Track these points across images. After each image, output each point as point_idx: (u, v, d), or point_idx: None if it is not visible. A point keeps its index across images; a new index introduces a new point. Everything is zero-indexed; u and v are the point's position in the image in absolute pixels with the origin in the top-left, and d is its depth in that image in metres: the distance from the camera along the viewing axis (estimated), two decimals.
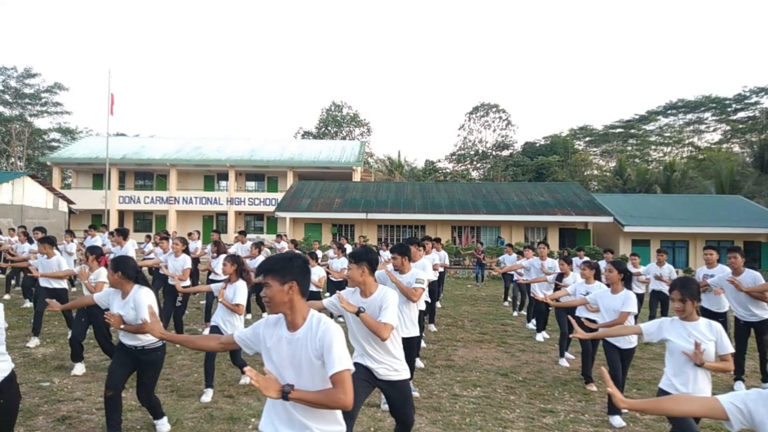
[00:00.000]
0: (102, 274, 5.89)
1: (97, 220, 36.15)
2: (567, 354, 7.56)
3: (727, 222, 25.60)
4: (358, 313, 3.30)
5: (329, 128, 57.80)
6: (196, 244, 11.86)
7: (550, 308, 8.99)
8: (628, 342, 5.11)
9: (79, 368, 6.06)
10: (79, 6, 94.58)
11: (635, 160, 59.57)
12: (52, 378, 5.80)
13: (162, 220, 36.39)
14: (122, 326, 3.96)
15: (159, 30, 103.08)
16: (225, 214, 36.87)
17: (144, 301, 3.98)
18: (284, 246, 13.75)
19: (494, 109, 60.89)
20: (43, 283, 7.29)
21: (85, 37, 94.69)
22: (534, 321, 9.92)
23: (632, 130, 62.72)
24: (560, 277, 7.79)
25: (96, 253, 6.02)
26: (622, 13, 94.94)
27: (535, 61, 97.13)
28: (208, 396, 5.28)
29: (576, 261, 10.57)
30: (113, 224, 33.20)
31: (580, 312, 6.26)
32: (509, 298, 13.64)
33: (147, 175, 38.29)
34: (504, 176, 50.42)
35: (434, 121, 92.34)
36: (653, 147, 62.47)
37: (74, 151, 36.50)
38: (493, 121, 60.55)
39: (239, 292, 5.44)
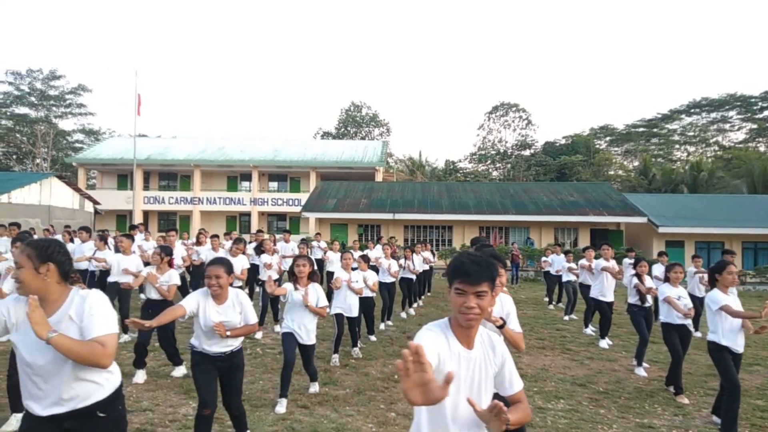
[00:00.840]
0: (174, 276, 5.66)
1: (121, 220, 36.35)
2: (640, 369, 7.18)
3: (765, 222, 24.85)
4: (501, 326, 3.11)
5: (348, 128, 57.63)
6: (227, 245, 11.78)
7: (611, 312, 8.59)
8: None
9: (140, 375, 5.80)
10: (101, 8, 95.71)
11: (659, 159, 58.56)
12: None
13: (186, 221, 36.44)
14: (229, 333, 3.70)
15: (177, 31, 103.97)
16: (248, 214, 36.83)
17: (249, 301, 3.84)
18: (323, 245, 13.61)
19: (514, 109, 60.34)
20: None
21: (107, 39, 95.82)
22: (591, 327, 9.51)
23: (655, 130, 61.68)
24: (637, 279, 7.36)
25: (168, 253, 5.78)
26: (641, 11, 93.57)
27: (554, 60, 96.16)
28: (282, 406, 4.99)
29: (625, 262, 10.18)
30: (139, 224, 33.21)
31: (670, 318, 5.92)
32: (554, 301, 13.26)
33: (171, 175, 38.39)
34: (526, 176, 49.78)
35: (453, 121, 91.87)
36: (677, 146, 61.37)
37: (99, 152, 36.72)
38: (513, 121, 60.00)
39: (321, 295, 5.29)
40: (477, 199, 27.09)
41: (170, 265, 5.91)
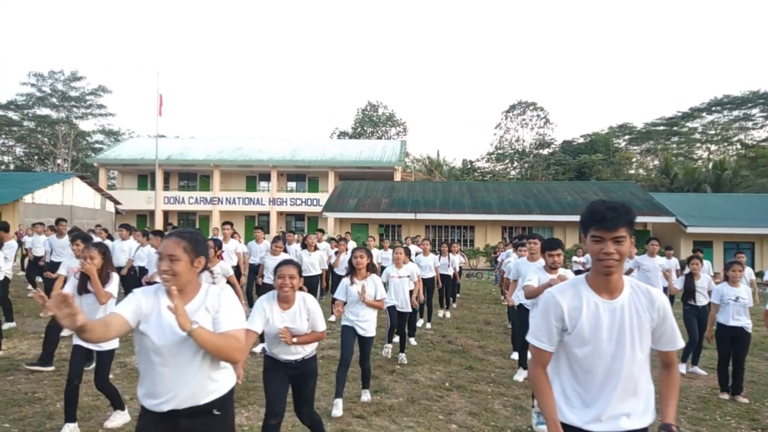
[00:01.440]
0: (226, 265, 5.59)
1: (141, 220, 36.57)
2: (696, 368, 6.88)
3: None
4: None
5: (365, 128, 57.52)
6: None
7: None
8: None
9: None
10: (120, 10, 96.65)
11: (679, 158, 57.61)
12: None
13: (205, 221, 36.53)
14: (295, 339, 3.51)
15: (193, 32, 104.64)
16: (266, 214, 36.82)
17: (317, 307, 3.69)
18: (354, 244, 13.61)
19: (531, 107, 59.78)
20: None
21: (125, 41, 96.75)
22: None
23: (675, 128, 60.68)
24: (689, 280, 7.05)
25: (219, 246, 5.68)
26: (659, 8, 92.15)
27: (571, 58, 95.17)
28: (338, 409, 4.81)
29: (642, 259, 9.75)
30: (159, 225, 33.38)
31: (723, 318, 5.75)
32: None
33: (190, 175, 38.55)
34: (545, 175, 49.22)
35: (469, 120, 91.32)
36: (698, 145, 60.35)
37: (120, 152, 36.96)
38: (531, 120, 59.48)
39: (379, 287, 5.25)
40: (499, 198, 26.74)
41: (220, 258, 5.80)
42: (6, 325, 8.12)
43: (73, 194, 30.06)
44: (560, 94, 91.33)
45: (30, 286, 12.10)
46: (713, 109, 59.07)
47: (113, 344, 4.32)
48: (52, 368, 5.98)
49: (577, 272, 13.67)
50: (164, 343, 2.23)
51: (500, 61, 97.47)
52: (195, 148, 38.37)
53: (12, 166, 47.46)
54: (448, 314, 10.66)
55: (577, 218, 22.72)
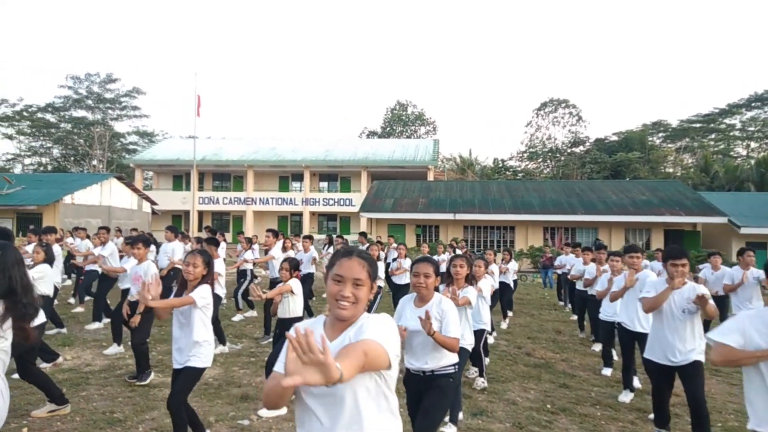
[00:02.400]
0: (297, 285, 5.23)
1: (176, 220, 36.80)
2: None
3: None
4: None
5: (394, 127, 57.11)
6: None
7: None
8: None
9: None
10: (153, 12, 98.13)
11: (718, 156, 55.72)
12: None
13: (239, 221, 36.58)
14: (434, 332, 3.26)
15: (223, 33, 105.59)
16: (299, 214, 36.69)
17: (454, 311, 3.44)
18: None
19: (563, 105, 58.62)
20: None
21: (158, 43, 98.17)
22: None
23: (712, 125, 58.73)
24: None
25: (295, 267, 5.25)
26: (688, 4, 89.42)
27: (601, 55, 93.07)
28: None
29: (707, 272, 8.76)
30: (194, 225, 33.51)
31: None
32: None
33: (224, 176, 38.68)
34: (580, 174, 48.06)
35: (497, 118, 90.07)
36: (738, 142, 58.28)
37: (155, 153, 37.27)
38: (563, 117, 58.34)
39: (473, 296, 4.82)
40: (541, 198, 25.99)
41: (298, 278, 5.37)
42: (55, 331, 7.97)
43: (111, 195, 30.33)
44: (590, 92, 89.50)
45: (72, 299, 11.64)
46: (753, 105, 56.96)
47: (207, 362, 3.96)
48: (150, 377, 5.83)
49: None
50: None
51: (529, 58, 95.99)
52: (229, 148, 38.45)
53: (49, 167, 48.38)
54: (504, 324, 10.10)
55: (623, 218, 21.82)
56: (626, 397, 5.61)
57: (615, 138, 57.06)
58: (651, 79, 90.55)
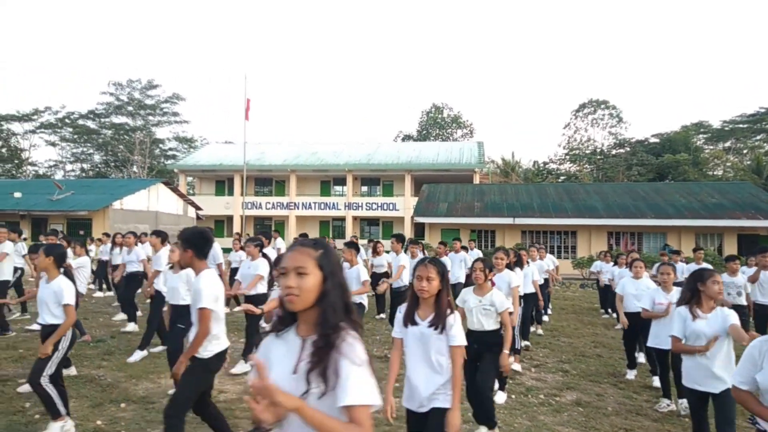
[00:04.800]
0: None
1: (219, 225, 36.59)
2: None
3: None
4: None
5: (430, 130, 56.35)
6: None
7: None
8: None
9: None
10: (192, 18, 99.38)
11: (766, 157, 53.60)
12: None
13: (281, 226, 36.15)
14: None
15: (259, 38, 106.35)
16: (340, 219, 36.12)
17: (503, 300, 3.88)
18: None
19: (603, 106, 57.28)
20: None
21: (197, 49, 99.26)
22: None
23: (758, 125, 56.65)
24: None
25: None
26: (724, 6, 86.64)
27: (638, 54, 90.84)
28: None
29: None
30: (237, 230, 33.19)
31: None
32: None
33: (266, 180, 38.38)
34: (627, 176, 46.56)
35: (533, 120, 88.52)
36: None
37: (198, 159, 37.18)
38: (602, 118, 57.00)
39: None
40: (604, 201, 24.84)
41: None
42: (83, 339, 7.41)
43: (158, 200, 30.21)
44: (627, 92, 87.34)
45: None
46: None
47: None
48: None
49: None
50: None
51: (565, 59, 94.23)
52: (271, 153, 38.14)
53: (91, 173, 48.87)
54: (540, 330, 9.32)
55: (694, 222, 20.50)
56: None
57: (655, 140, 55.47)
58: (689, 79, 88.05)
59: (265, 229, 36.85)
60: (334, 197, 36.63)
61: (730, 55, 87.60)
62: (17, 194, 27.76)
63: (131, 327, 8.56)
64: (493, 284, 4.64)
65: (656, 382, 6.21)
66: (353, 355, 1.51)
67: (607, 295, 11.54)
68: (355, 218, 36.02)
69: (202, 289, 3.40)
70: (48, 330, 4.06)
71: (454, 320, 2.97)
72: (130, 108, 47.42)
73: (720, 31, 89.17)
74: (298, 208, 35.49)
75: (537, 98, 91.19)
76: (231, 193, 37.05)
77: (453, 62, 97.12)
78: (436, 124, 56.50)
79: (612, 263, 11.05)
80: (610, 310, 11.60)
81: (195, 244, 3.53)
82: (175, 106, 48.45)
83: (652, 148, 53.14)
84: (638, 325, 6.18)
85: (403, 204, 34.57)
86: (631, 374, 6.64)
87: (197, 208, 33.16)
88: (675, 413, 5.31)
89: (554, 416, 5.20)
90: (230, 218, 36.49)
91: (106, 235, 13.91)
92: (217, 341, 3.54)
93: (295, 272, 1.60)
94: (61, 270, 4.16)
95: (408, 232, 34.35)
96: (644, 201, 24.55)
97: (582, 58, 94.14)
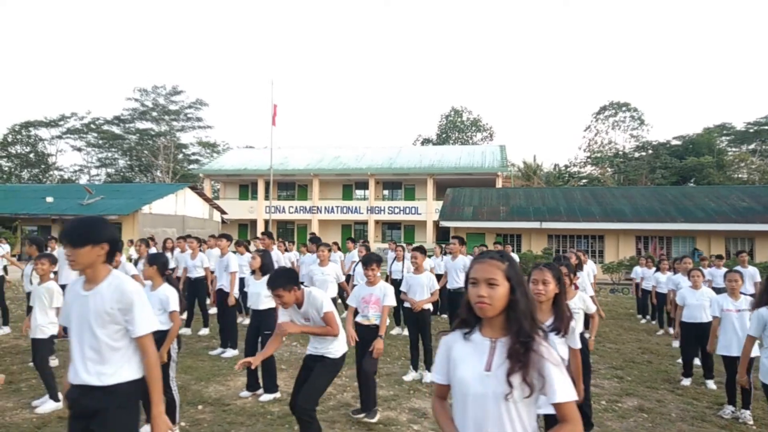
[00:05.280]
0: None
1: (243, 229, 37.02)
2: None
3: None
4: None
5: (450, 134, 56.37)
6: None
7: None
8: None
9: None
10: (214, 24, 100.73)
11: None
12: None
13: (303, 230, 36.45)
14: None
15: (283, 44, 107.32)
16: (362, 222, 36.31)
17: None
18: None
19: (624, 108, 56.78)
20: None
21: (216, 53, 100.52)
22: None
23: None
24: None
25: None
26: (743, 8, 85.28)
27: (660, 56, 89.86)
28: None
29: None
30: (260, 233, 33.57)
31: None
32: None
33: (289, 185, 38.76)
34: (651, 179, 46.09)
35: (553, 123, 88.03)
36: None
37: (223, 163, 37.69)
38: (623, 121, 56.52)
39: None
40: (632, 205, 24.64)
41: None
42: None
43: (185, 204, 30.64)
44: (646, 95, 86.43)
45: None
46: None
47: None
48: None
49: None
50: None
51: (584, 62, 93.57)
52: (294, 157, 38.51)
53: (117, 178, 49.73)
54: (587, 334, 9.31)
55: (724, 226, 20.24)
56: None
57: (677, 142, 54.83)
58: (710, 81, 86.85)
59: (287, 233, 37.25)
60: (356, 201, 36.85)
61: (752, 56, 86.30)
62: (49, 199, 28.37)
63: (203, 331, 8.82)
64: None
65: (710, 385, 6.41)
66: (553, 358, 1.66)
67: (646, 302, 11.50)
68: (377, 222, 36.19)
69: (323, 297, 3.72)
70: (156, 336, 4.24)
71: (575, 324, 3.13)
72: (154, 113, 48.21)
73: (740, 32, 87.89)
74: (320, 212, 35.77)
75: (556, 101, 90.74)
76: (254, 197, 37.48)
77: (472, 65, 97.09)
78: (456, 128, 56.51)
79: (654, 269, 10.97)
80: (648, 317, 11.58)
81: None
82: (199, 111, 49.19)
83: (674, 151, 52.55)
84: (699, 334, 6.26)
85: (426, 208, 34.65)
86: (686, 381, 6.66)
87: (222, 212, 33.58)
88: (740, 421, 5.32)
89: (621, 422, 5.25)
90: (254, 222, 36.90)
91: (149, 240, 14.00)
92: (343, 342, 3.88)
93: (486, 283, 1.76)
94: (164, 278, 4.34)
95: (430, 236, 34.43)
96: (672, 205, 24.31)
97: (601, 59, 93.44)
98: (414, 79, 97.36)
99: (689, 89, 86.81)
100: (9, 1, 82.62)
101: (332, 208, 35.99)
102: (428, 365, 6.25)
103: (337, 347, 3.83)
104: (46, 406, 4.88)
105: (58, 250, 10.28)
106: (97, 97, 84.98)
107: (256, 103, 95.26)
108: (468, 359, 1.76)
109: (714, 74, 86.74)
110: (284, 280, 3.50)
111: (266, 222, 36.65)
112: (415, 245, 7.84)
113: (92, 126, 49.21)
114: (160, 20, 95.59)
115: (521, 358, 1.65)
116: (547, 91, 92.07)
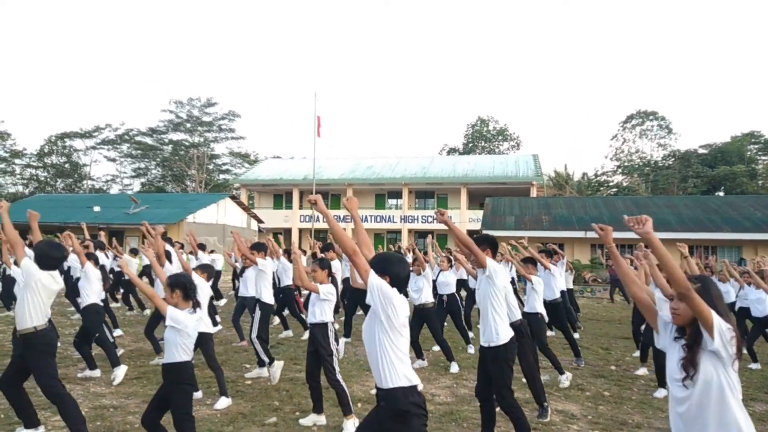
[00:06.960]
0: None
1: (278, 237, 37.55)
2: None
3: None
4: None
5: (476, 143, 56.57)
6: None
7: None
8: None
9: None
10: (243, 32, 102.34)
11: None
12: None
13: None
14: None
15: (304, 55, 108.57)
16: (395, 231, 36.58)
17: None
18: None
19: (651, 117, 56.54)
20: None
21: (248, 64, 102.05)
22: None
23: None
24: None
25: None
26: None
27: (686, 65, 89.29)
28: None
29: None
30: (295, 241, 34.00)
31: None
32: None
33: (323, 194, 39.19)
34: (683, 188, 45.79)
35: (579, 132, 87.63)
36: None
37: (259, 173, 38.36)
38: (650, 130, 56.25)
39: None
40: (676, 215, 24.61)
41: None
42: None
43: (225, 213, 31.26)
44: (672, 103, 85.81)
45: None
46: None
47: None
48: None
49: None
50: None
51: (611, 72, 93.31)
52: (328, 168, 39.01)
53: (151, 188, 50.72)
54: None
55: None
56: None
57: (703, 151, 54.45)
58: (738, 89, 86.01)
59: (321, 241, 37.61)
60: (388, 210, 37.16)
61: None
62: (96, 208, 29.15)
63: (285, 333, 9.29)
64: None
65: None
66: None
67: None
68: (410, 231, 36.45)
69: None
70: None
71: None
72: (188, 125, 49.19)
73: (760, 41, 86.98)
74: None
75: (582, 111, 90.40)
76: (289, 206, 38.01)
77: (499, 74, 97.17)
78: (482, 137, 56.69)
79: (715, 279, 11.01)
80: None
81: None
82: (232, 122, 50.11)
83: (703, 160, 52.16)
84: None
85: (459, 217, 34.82)
86: None
87: (259, 221, 34.14)
88: None
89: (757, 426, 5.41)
90: (288, 231, 37.38)
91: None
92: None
93: (677, 297, 2.45)
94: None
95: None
96: (717, 214, 24.24)
97: (631, 69, 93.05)
98: (441, 90, 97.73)
99: (715, 97, 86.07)
100: (48, 16, 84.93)
101: (365, 217, 36.29)
102: (449, 358, 7.27)
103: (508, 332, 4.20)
104: (221, 402, 5.20)
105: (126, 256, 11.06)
106: (133, 110, 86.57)
107: (285, 114, 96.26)
108: (673, 355, 2.56)
109: (742, 83, 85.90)
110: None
111: (299, 231, 37.19)
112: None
113: (126, 137, 50.32)
114: (187, 34, 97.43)
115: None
116: (573, 100, 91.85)
